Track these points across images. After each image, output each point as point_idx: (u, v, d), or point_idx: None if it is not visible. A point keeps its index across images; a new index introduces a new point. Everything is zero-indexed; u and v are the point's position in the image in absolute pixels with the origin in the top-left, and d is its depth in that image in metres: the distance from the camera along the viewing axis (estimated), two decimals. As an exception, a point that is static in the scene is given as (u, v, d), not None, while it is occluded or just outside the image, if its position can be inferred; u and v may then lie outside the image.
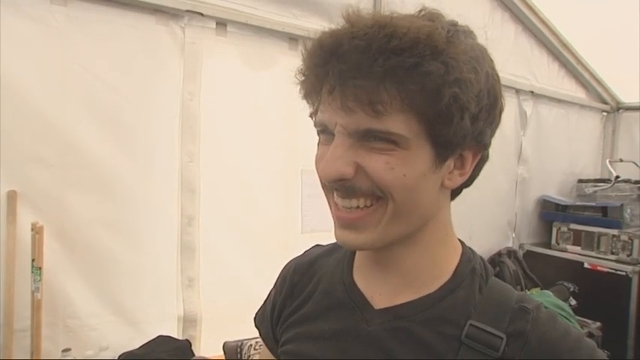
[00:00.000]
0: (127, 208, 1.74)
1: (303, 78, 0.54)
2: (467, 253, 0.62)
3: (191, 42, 1.82)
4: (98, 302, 1.69)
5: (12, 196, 1.54)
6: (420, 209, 0.55)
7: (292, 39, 2.09)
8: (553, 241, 3.27)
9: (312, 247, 0.77)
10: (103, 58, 1.67)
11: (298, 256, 0.75)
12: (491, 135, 0.57)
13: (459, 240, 0.64)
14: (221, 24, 1.89)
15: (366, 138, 0.51)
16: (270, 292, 0.76)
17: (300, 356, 0.63)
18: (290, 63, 0.57)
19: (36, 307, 1.54)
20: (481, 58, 0.54)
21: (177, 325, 1.85)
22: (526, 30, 3.11)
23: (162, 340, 1.69)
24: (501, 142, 3.10)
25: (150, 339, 1.70)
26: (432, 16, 0.54)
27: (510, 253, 3.05)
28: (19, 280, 1.54)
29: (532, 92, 3.21)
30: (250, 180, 2.01)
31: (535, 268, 3.11)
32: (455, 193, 0.61)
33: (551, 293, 2.85)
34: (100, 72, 1.66)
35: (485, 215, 3.05)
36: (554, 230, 3.27)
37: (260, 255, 2.00)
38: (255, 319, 0.78)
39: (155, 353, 1.61)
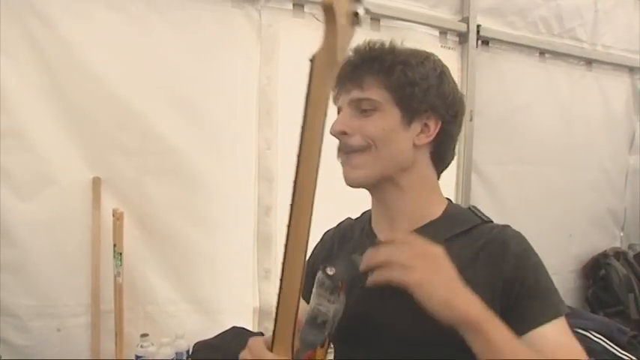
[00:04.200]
0: (204, 196, 1.72)
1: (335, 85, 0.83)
2: (453, 204, 0.88)
3: (267, 24, 1.77)
4: (175, 290, 1.70)
5: (97, 183, 1.58)
6: (395, 155, 0.80)
7: (374, 19, 1.97)
8: (674, 243, 2.85)
9: (345, 220, 0.99)
10: (181, 44, 1.66)
11: (334, 227, 0.99)
12: (449, 112, 0.81)
13: (448, 199, 0.88)
14: (298, 5, 1.82)
15: (358, 106, 0.79)
16: (311, 254, 0.96)
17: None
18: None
19: (118, 290, 1.58)
20: (431, 59, 0.83)
21: (253, 317, 1.82)
22: (648, -2, 2.70)
23: (237, 332, 1.66)
24: (609, 128, 2.74)
25: (224, 329, 1.68)
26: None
27: (619, 254, 2.68)
28: (104, 264, 1.59)
29: (651, 70, 2.80)
30: (331, 167, 1.92)
31: (651, 273, 2.72)
32: (435, 162, 0.85)
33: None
34: (177, 57, 1.66)
35: (587, 210, 2.72)
36: (676, 230, 2.85)
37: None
38: None
39: (229, 344, 1.59)
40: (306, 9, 1.82)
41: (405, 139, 0.80)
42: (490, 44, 2.30)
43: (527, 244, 0.78)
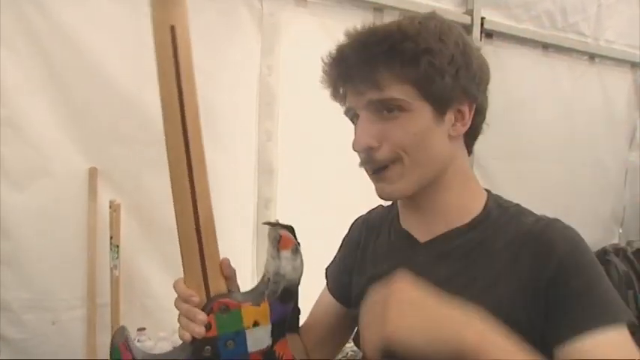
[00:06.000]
0: (203, 188, 1.69)
1: (325, 84, 0.74)
2: (492, 195, 0.76)
3: (269, 13, 1.73)
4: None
5: (93, 173, 1.55)
6: (432, 158, 0.69)
7: (377, 9, 1.94)
8: (673, 240, 2.85)
9: (377, 207, 0.90)
10: (181, 32, 1.61)
11: (365, 214, 0.91)
12: (479, 89, 0.70)
13: (486, 189, 0.78)
14: (301, -6, 1.78)
15: (379, 108, 0.67)
16: (340, 247, 0.92)
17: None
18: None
19: (114, 283, 1.55)
20: (448, 32, 0.68)
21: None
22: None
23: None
24: (610, 124, 2.72)
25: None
26: (411, 16, 0.70)
27: (619, 250, 2.67)
28: (100, 257, 1.56)
29: (653, 66, 2.78)
30: (332, 160, 1.89)
31: (649, 270, 2.71)
32: (468, 144, 0.75)
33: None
34: (177, 46, 1.61)
35: (585, 206, 2.70)
36: (675, 227, 2.85)
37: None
38: (326, 270, 0.94)
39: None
40: (309, -2, 1.79)
41: (440, 136, 0.69)
42: (494, 37, 2.27)
43: (578, 241, 0.66)
